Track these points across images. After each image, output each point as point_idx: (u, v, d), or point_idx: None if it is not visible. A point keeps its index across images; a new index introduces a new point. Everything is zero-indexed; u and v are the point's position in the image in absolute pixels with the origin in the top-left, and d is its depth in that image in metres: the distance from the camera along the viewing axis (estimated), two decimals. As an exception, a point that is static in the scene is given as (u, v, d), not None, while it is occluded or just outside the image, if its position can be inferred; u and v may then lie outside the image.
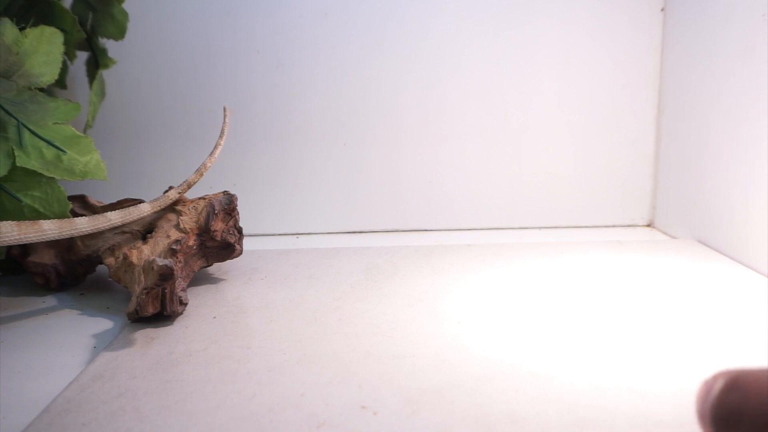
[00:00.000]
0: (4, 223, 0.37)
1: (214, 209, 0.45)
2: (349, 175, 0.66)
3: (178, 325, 0.39)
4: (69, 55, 0.52)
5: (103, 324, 0.41)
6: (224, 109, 0.50)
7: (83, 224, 0.41)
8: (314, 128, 0.65)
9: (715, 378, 0.22)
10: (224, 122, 0.49)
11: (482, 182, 0.66)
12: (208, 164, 0.47)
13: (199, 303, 0.43)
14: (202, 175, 0.47)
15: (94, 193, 0.51)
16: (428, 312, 0.40)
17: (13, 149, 0.42)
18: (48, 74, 0.45)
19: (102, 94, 0.57)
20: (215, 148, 0.48)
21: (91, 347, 0.37)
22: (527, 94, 0.64)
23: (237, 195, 0.47)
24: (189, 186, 0.47)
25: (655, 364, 0.32)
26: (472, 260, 0.51)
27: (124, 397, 0.30)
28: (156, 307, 0.39)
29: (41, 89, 0.45)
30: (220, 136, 0.49)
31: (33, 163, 0.42)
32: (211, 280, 0.48)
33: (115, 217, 0.43)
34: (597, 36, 0.63)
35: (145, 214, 0.44)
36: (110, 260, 0.44)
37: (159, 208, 0.45)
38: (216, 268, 0.51)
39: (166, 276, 0.37)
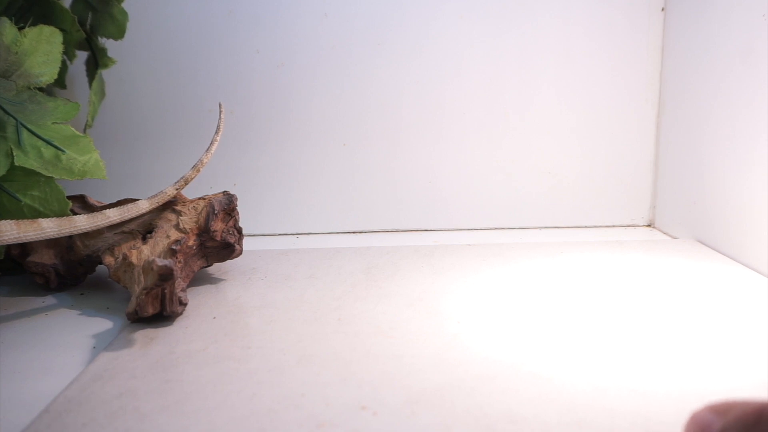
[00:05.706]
0: (3, 222, 0.37)
1: (214, 209, 0.45)
2: (348, 175, 0.66)
3: (178, 325, 0.39)
4: (68, 54, 0.52)
5: (103, 324, 0.41)
6: (219, 105, 0.50)
7: (82, 222, 0.41)
8: (314, 128, 0.65)
9: (706, 411, 0.21)
10: (220, 118, 0.49)
11: (482, 182, 0.66)
12: (205, 160, 0.47)
13: (199, 303, 0.43)
14: (199, 171, 0.47)
15: (93, 192, 0.51)
16: (428, 312, 0.40)
17: (11, 149, 0.42)
18: (47, 74, 0.45)
19: (101, 93, 0.57)
20: (211, 144, 0.48)
21: (91, 347, 0.37)
22: (527, 94, 0.64)
23: (237, 195, 0.47)
24: (186, 182, 0.47)
25: (655, 364, 0.32)
26: (472, 260, 0.51)
27: (124, 397, 0.30)
28: (156, 308, 0.39)
29: (40, 89, 0.45)
30: (216, 132, 0.49)
31: (32, 163, 0.42)
32: (211, 280, 0.48)
33: (113, 215, 0.43)
34: (597, 36, 0.63)
35: (143, 210, 0.44)
36: (110, 260, 0.44)
37: (157, 204, 0.45)
38: (216, 268, 0.51)
39: (165, 276, 0.37)
